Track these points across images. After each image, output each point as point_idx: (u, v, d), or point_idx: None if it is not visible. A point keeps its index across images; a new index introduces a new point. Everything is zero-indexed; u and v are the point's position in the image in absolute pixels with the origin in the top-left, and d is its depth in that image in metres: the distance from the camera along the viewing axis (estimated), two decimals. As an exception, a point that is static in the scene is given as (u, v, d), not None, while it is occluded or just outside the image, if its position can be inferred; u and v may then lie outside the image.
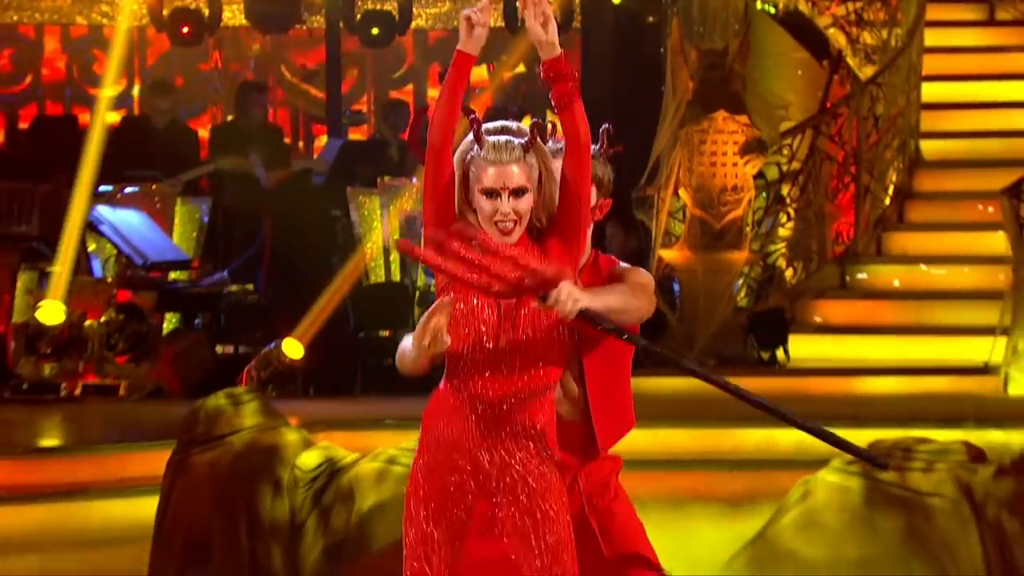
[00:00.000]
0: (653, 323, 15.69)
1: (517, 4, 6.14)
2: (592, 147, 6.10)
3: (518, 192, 5.97)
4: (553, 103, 5.97)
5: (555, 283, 5.77)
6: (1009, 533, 10.18)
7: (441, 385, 6.08)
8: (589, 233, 6.31)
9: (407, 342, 6.03)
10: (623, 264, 6.33)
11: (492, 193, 5.97)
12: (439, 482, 6.03)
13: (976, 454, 10.54)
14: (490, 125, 6.08)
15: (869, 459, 6.58)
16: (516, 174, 5.98)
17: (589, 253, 6.32)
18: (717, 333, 15.42)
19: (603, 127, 6.22)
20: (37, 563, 11.21)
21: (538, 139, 6.03)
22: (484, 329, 6.01)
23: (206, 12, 19.39)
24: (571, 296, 5.74)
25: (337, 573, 9.69)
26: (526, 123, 6.13)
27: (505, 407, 6.02)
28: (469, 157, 6.04)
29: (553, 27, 5.90)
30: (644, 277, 6.29)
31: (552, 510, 5.99)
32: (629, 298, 6.09)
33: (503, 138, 6.02)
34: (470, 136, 6.05)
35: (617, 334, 6.01)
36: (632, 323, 6.13)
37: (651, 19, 18.68)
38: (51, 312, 15.22)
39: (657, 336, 15.19)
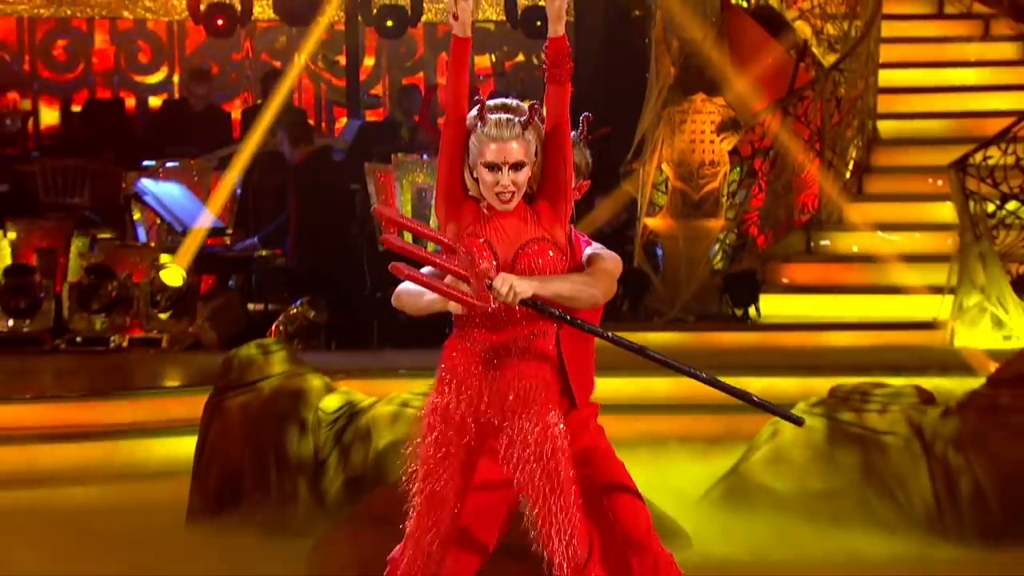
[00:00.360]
0: (638, 284, 15.80)
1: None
2: (572, 133, 6.13)
3: (516, 166, 6.00)
4: (548, 76, 5.97)
5: (484, 276, 5.85)
6: (954, 467, 10.18)
7: (452, 335, 6.10)
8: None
9: (409, 286, 6.08)
10: (596, 248, 6.26)
11: (493, 167, 5.99)
12: (449, 418, 6.04)
13: (926, 397, 10.58)
14: (491, 102, 6.08)
15: (787, 417, 6.50)
16: (515, 150, 6.00)
17: (568, 231, 6.21)
18: (696, 293, 15.44)
19: (583, 115, 6.21)
20: (90, 493, 11.18)
21: (535, 118, 6.04)
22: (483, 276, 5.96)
23: (238, 7, 19.36)
24: (511, 288, 5.80)
25: (356, 503, 9.64)
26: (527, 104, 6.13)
27: (506, 352, 6.04)
28: (472, 133, 6.05)
29: (566, 4, 5.90)
30: (610, 264, 6.21)
31: (549, 445, 5.97)
32: (580, 287, 6.03)
33: (504, 116, 6.03)
34: (474, 112, 6.04)
35: (559, 320, 6.00)
36: (583, 308, 6.07)
37: (637, 12, 18.64)
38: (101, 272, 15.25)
39: (641, 295, 15.22)
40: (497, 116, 6.03)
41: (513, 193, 6.01)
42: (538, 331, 6.07)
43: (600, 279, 6.10)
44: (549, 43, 5.93)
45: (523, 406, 6.05)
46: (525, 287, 5.83)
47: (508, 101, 6.14)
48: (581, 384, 6.24)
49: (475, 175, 6.06)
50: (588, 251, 6.23)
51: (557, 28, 5.91)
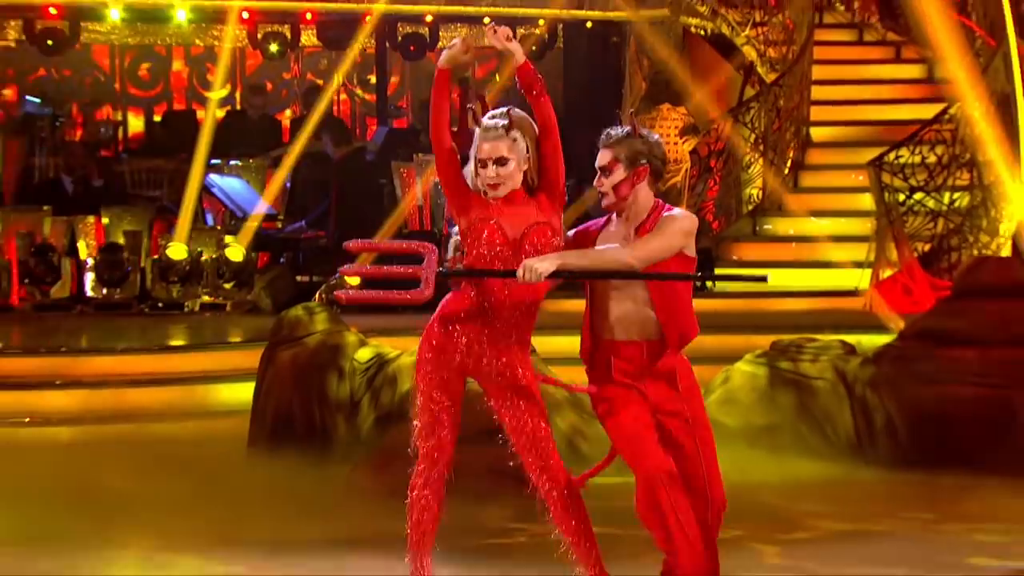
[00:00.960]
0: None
1: (460, 47, 6.11)
2: (624, 130, 6.14)
3: (500, 161, 6.01)
4: (527, 98, 6.02)
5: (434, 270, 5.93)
6: (871, 405, 10.23)
7: (461, 288, 6.11)
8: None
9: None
10: (672, 212, 6.10)
11: (483, 162, 6.04)
12: (445, 357, 6.09)
13: (849, 349, 10.63)
14: (491, 112, 6.14)
15: (751, 278, 6.66)
16: (499, 147, 6.02)
17: (652, 203, 6.13)
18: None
19: (631, 115, 6.26)
20: (169, 428, 11.25)
21: (518, 122, 6.06)
22: (496, 252, 6.03)
23: (289, 35, 19.29)
24: (533, 270, 5.78)
25: (384, 437, 9.67)
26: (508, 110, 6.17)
27: (504, 312, 6.06)
28: (477, 140, 6.09)
29: (515, 45, 5.98)
30: (673, 224, 6.05)
31: (524, 380, 6.07)
32: (600, 257, 5.97)
33: (490, 121, 6.07)
34: (478, 130, 6.10)
35: (587, 277, 6.04)
36: (614, 271, 5.98)
37: (615, 39, 18.60)
38: (177, 250, 15.23)
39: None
40: (486, 122, 6.08)
41: (499, 184, 6.04)
42: (536, 297, 6.07)
43: (638, 246, 5.97)
44: (517, 72, 5.97)
45: (506, 348, 6.10)
46: (545, 267, 5.80)
47: (497, 110, 6.15)
48: (673, 331, 6.13)
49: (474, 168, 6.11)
50: (663, 216, 6.08)
51: (517, 58, 5.96)
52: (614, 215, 6.16)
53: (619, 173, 6.05)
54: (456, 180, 6.07)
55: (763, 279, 6.62)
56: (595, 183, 6.12)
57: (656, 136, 6.21)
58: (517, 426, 6.06)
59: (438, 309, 6.14)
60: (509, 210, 6.05)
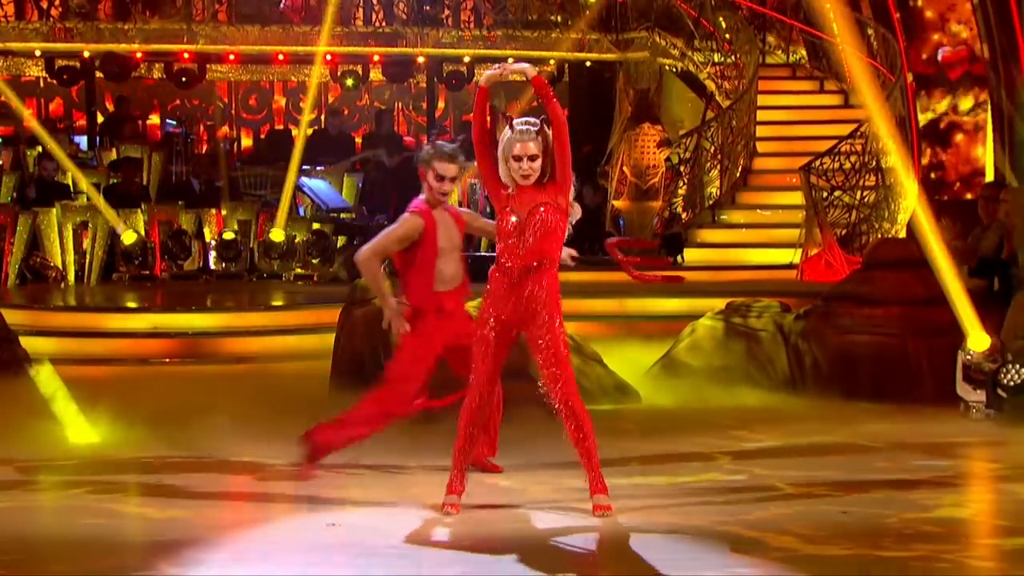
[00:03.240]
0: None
1: (497, 70, 6.24)
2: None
3: (533, 158, 6.10)
4: (542, 103, 6.13)
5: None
6: (801, 350, 10.20)
7: (493, 267, 6.25)
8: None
9: (365, 254, 7.19)
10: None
11: (519, 158, 6.09)
12: (494, 309, 6.24)
13: (785, 308, 10.58)
14: (516, 120, 6.15)
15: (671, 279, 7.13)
16: (532, 147, 6.10)
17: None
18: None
19: (460, 138, 6.53)
20: (270, 368, 11.25)
21: (544, 128, 6.12)
22: (511, 230, 6.14)
23: (360, 72, 19.24)
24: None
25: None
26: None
27: (526, 273, 6.15)
28: (506, 139, 6.12)
29: (528, 66, 6.18)
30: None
31: (549, 318, 6.19)
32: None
33: (524, 127, 6.11)
34: (507, 128, 6.12)
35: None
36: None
37: (607, 74, 18.52)
38: (277, 234, 15.24)
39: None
40: (520, 127, 6.11)
41: (530, 175, 6.10)
42: (552, 259, 6.18)
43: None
44: (532, 83, 6.07)
45: (534, 310, 6.18)
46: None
47: (527, 118, 6.18)
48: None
49: (507, 165, 6.13)
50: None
51: (529, 73, 6.12)
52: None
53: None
54: (491, 168, 6.15)
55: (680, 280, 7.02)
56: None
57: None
58: (543, 345, 6.17)
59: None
60: (522, 197, 6.11)
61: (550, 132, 6.12)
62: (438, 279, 7.03)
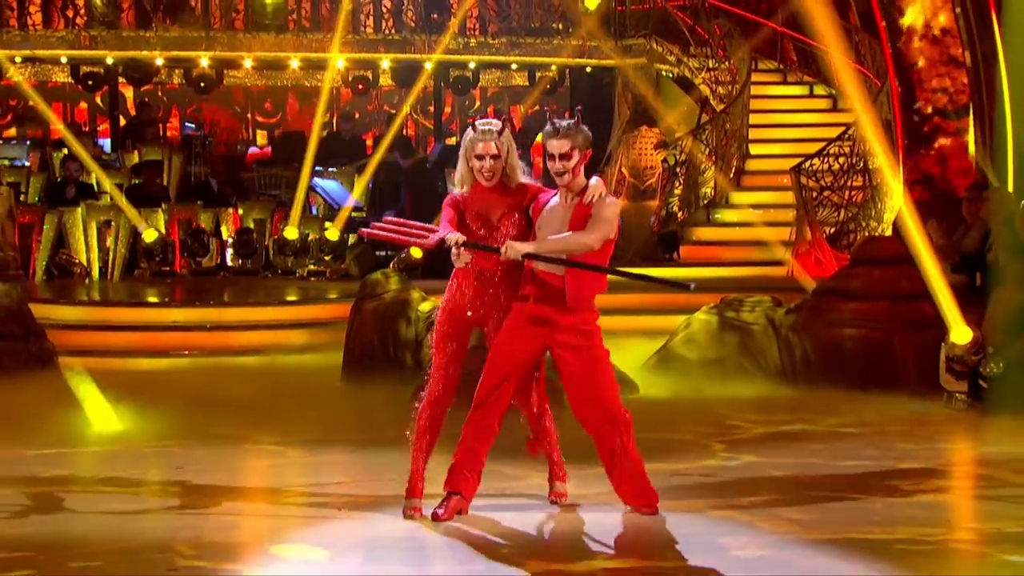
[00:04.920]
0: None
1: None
2: (569, 121, 5.87)
3: (494, 157, 5.80)
4: None
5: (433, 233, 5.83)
6: (792, 342, 10.19)
7: (457, 268, 5.97)
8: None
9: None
10: (608, 199, 5.80)
11: (480, 157, 5.81)
12: (456, 310, 5.98)
13: (777, 303, 10.55)
14: (479, 121, 5.94)
15: (679, 285, 6.02)
16: (493, 147, 5.80)
17: (584, 180, 5.81)
18: (642, 244, 15.42)
19: (577, 107, 6.12)
20: (284, 359, 11.19)
21: (506, 130, 5.88)
22: (480, 235, 5.90)
23: (371, 77, 19.23)
24: (514, 251, 5.64)
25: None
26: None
27: (491, 275, 5.90)
28: (468, 138, 5.87)
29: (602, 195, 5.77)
30: (607, 211, 5.76)
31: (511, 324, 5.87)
32: (567, 243, 5.69)
33: (487, 126, 5.87)
34: (469, 129, 5.89)
35: (556, 263, 5.72)
36: (580, 252, 5.69)
37: (607, 80, 18.52)
38: (291, 232, 15.24)
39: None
40: (480, 127, 5.88)
41: (492, 174, 5.83)
42: (507, 267, 5.87)
43: (593, 229, 5.72)
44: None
45: (498, 304, 5.94)
46: (521, 249, 5.65)
47: (490, 119, 5.97)
48: (576, 287, 5.82)
49: (469, 164, 5.87)
50: (605, 200, 5.77)
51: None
52: (560, 191, 5.85)
53: (577, 157, 5.77)
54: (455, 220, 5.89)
55: (688, 287, 5.96)
56: (554, 167, 5.76)
57: (585, 127, 5.89)
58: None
59: (449, 282, 5.98)
60: (488, 199, 5.87)
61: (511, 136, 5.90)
62: None
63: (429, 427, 5.97)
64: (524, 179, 5.95)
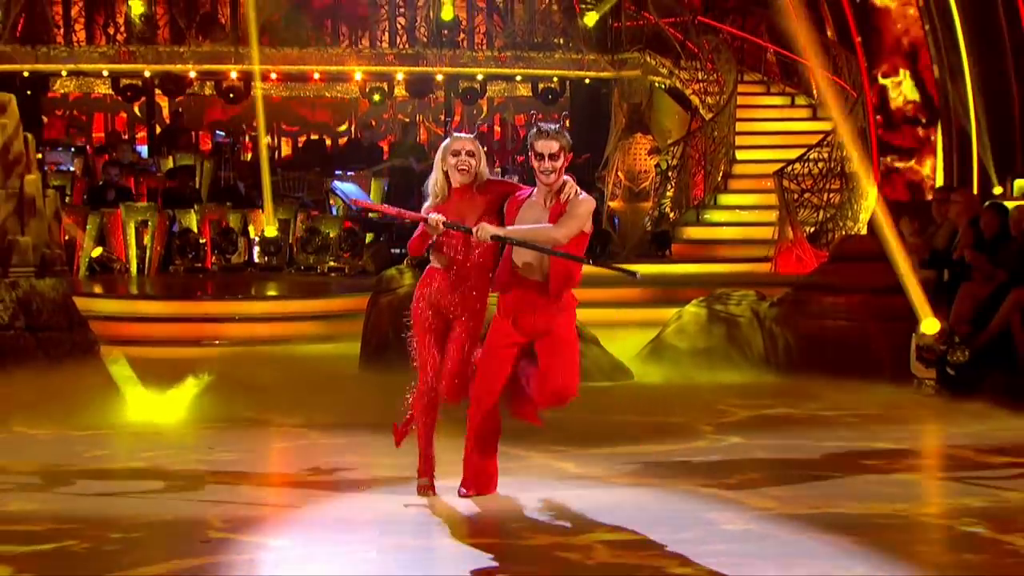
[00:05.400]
0: (605, 239, 15.71)
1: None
2: (555, 125, 5.75)
3: (470, 153, 5.71)
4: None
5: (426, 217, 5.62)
6: (775, 333, 10.24)
7: (430, 264, 5.89)
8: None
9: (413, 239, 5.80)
10: (581, 196, 5.62)
11: (456, 152, 5.71)
12: (431, 303, 5.86)
13: (761, 296, 10.58)
14: (455, 133, 5.92)
15: (624, 271, 5.82)
16: (468, 144, 5.74)
17: (563, 180, 5.64)
18: (636, 243, 15.43)
19: (563, 114, 6.04)
20: (306, 349, 11.19)
21: (479, 146, 5.82)
22: (453, 243, 5.77)
23: (387, 88, 19.23)
24: (484, 232, 5.49)
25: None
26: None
27: (460, 270, 5.78)
28: (444, 145, 5.82)
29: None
30: (580, 208, 5.58)
31: (478, 312, 5.80)
32: (536, 233, 5.51)
33: (459, 134, 5.86)
34: (447, 139, 5.82)
35: (520, 245, 5.54)
36: (547, 246, 5.49)
37: (604, 90, 18.50)
38: (271, 230, 15.23)
39: (607, 245, 15.22)
40: (455, 134, 5.86)
41: (469, 167, 5.71)
42: (487, 265, 5.76)
43: (563, 224, 5.54)
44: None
45: (468, 297, 5.79)
46: (491, 231, 5.51)
47: (467, 134, 5.90)
48: (558, 278, 5.61)
49: (444, 168, 5.76)
50: (579, 198, 5.60)
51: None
52: (535, 188, 5.70)
53: (562, 158, 5.60)
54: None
55: (633, 275, 5.78)
56: (542, 166, 5.58)
57: (567, 132, 5.75)
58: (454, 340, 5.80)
59: (422, 276, 5.87)
60: (462, 202, 5.71)
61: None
62: None
63: (427, 411, 5.90)
64: (489, 176, 5.84)
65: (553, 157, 5.58)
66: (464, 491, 5.84)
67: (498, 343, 5.72)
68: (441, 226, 5.64)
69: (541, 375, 5.63)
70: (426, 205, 5.83)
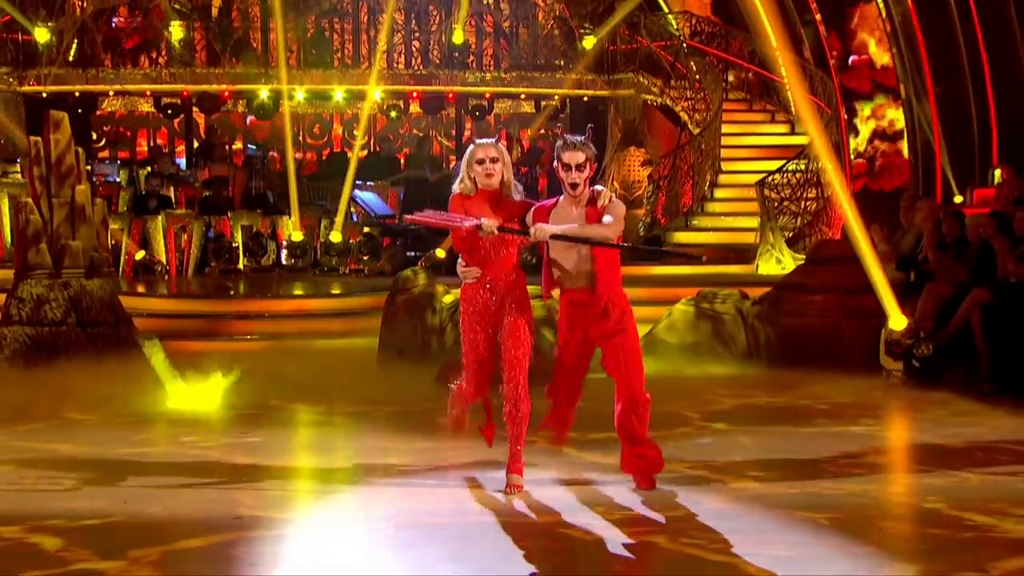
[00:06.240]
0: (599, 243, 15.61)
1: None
2: (580, 137, 5.53)
3: (494, 160, 5.45)
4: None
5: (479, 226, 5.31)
6: (757, 329, 10.16)
7: (464, 277, 5.63)
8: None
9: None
10: (615, 200, 5.50)
11: (481, 161, 5.46)
12: (473, 308, 5.57)
13: (744, 295, 10.50)
14: (478, 140, 5.63)
15: (688, 256, 5.81)
16: (493, 151, 5.48)
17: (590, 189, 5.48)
18: (631, 247, 15.34)
19: (588, 126, 5.86)
20: (329, 344, 11.09)
21: (501, 144, 5.59)
22: (484, 250, 5.53)
23: (403, 105, 19.23)
24: (542, 232, 5.30)
25: (458, 350, 9.59)
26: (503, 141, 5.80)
27: (498, 266, 5.51)
28: (468, 152, 5.58)
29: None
30: (619, 210, 5.45)
31: (522, 310, 5.51)
32: (588, 232, 5.33)
33: (484, 141, 5.59)
34: (471, 146, 5.58)
35: (580, 242, 5.38)
36: (597, 240, 5.33)
37: (601, 107, 18.49)
38: (335, 235, 15.25)
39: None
40: (479, 141, 5.59)
41: (493, 174, 5.46)
42: (514, 268, 5.55)
43: (611, 225, 5.37)
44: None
45: (509, 292, 5.53)
46: (549, 230, 5.31)
47: (491, 140, 5.61)
48: (604, 281, 5.48)
49: (471, 174, 5.51)
50: (615, 201, 5.49)
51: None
52: (561, 197, 5.51)
53: (588, 169, 5.45)
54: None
55: (700, 259, 6.01)
56: (570, 176, 5.40)
57: (592, 143, 5.56)
58: (509, 328, 5.48)
59: (461, 296, 5.62)
60: (485, 206, 5.46)
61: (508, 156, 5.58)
62: None
63: (467, 404, 5.75)
64: (518, 197, 5.60)
65: (580, 168, 5.42)
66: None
67: (562, 341, 5.56)
68: (496, 230, 5.37)
69: (617, 391, 5.50)
70: (454, 191, 5.61)
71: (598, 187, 5.56)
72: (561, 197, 5.58)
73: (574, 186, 5.44)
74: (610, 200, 5.48)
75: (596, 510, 5.30)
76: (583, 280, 5.51)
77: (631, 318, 5.61)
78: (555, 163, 5.54)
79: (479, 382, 5.69)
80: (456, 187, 5.60)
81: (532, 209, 5.57)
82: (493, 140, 5.61)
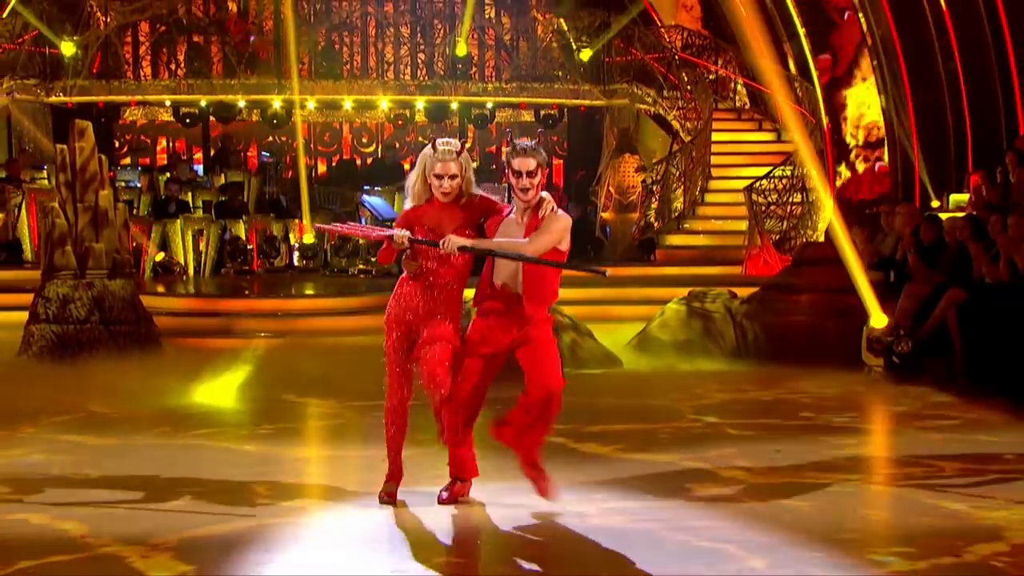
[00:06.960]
0: (598, 246, 15.66)
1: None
2: (531, 141, 5.01)
3: (452, 177, 4.93)
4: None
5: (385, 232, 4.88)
6: (745, 327, 10.16)
7: (402, 277, 5.17)
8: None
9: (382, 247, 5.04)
10: (558, 213, 4.93)
11: (439, 176, 4.94)
12: (401, 314, 5.11)
13: (733, 295, 10.52)
14: (439, 139, 5.02)
15: (594, 270, 4.97)
16: (452, 167, 4.94)
17: (539, 197, 4.92)
18: (625, 249, 15.41)
19: (539, 131, 5.43)
20: (339, 340, 11.04)
21: (463, 151, 5.00)
22: (430, 254, 5.00)
23: (408, 115, 19.22)
24: (451, 244, 4.77)
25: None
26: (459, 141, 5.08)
27: (427, 286, 5.04)
28: (427, 157, 5.00)
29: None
30: (554, 223, 4.89)
31: (447, 320, 4.99)
32: (503, 247, 4.83)
33: (445, 146, 4.99)
34: (428, 147, 5.00)
35: (487, 254, 4.88)
36: (506, 254, 4.82)
37: (597, 116, 18.49)
38: (308, 237, 15.28)
39: (600, 251, 15.19)
40: (441, 145, 4.99)
41: (450, 192, 4.94)
42: (459, 280, 5.03)
43: (535, 239, 4.86)
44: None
45: (432, 313, 5.03)
46: (458, 242, 4.79)
47: (449, 139, 5.02)
48: (532, 296, 4.95)
49: (427, 182, 4.99)
50: (555, 214, 4.92)
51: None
52: (515, 207, 4.98)
53: (540, 174, 4.90)
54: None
55: (603, 273, 4.86)
56: (520, 182, 4.86)
57: (542, 148, 5.02)
58: (425, 348, 4.99)
59: (397, 288, 5.12)
60: (442, 214, 4.99)
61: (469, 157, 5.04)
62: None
63: (399, 423, 5.22)
64: (477, 191, 5.07)
65: (531, 174, 4.87)
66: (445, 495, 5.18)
67: (470, 352, 5.02)
68: (407, 242, 4.92)
69: (528, 379, 4.96)
70: (405, 207, 5.12)
71: (544, 194, 4.98)
72: (515, 206, 5.04)
73: (525, 191, 4.88)
74: (552, 211, 4.94)
75: (592, 499, 5.30)
76: (512, 292, 4.98)
77: (546, 330, 5.01)
78: (507, 170, 5.05)
79: (404, 400, 5.19)
80: (408, 200, 5.09)
81: (489, 218, 5.06)
82: (455, 148, 5.00)
